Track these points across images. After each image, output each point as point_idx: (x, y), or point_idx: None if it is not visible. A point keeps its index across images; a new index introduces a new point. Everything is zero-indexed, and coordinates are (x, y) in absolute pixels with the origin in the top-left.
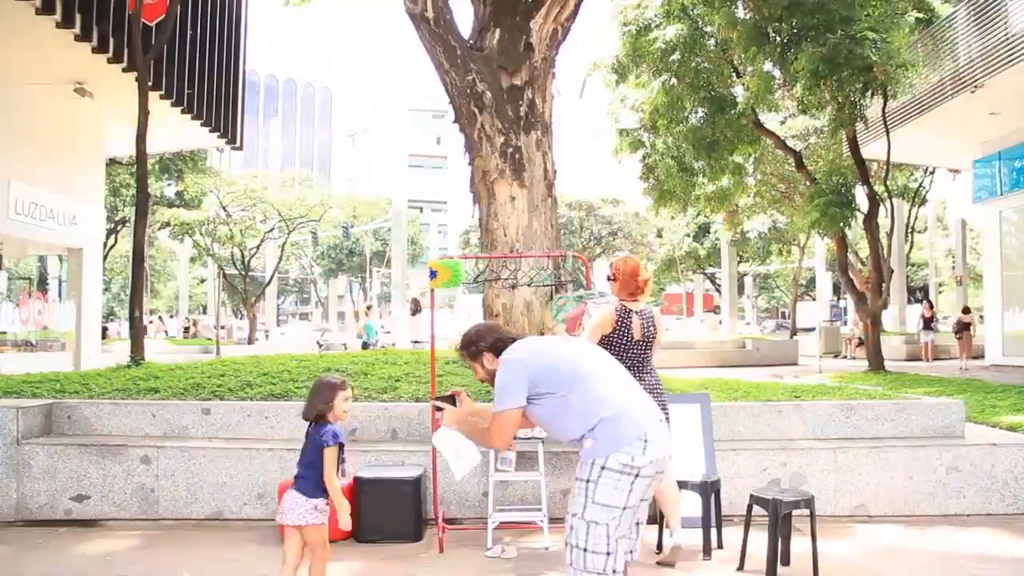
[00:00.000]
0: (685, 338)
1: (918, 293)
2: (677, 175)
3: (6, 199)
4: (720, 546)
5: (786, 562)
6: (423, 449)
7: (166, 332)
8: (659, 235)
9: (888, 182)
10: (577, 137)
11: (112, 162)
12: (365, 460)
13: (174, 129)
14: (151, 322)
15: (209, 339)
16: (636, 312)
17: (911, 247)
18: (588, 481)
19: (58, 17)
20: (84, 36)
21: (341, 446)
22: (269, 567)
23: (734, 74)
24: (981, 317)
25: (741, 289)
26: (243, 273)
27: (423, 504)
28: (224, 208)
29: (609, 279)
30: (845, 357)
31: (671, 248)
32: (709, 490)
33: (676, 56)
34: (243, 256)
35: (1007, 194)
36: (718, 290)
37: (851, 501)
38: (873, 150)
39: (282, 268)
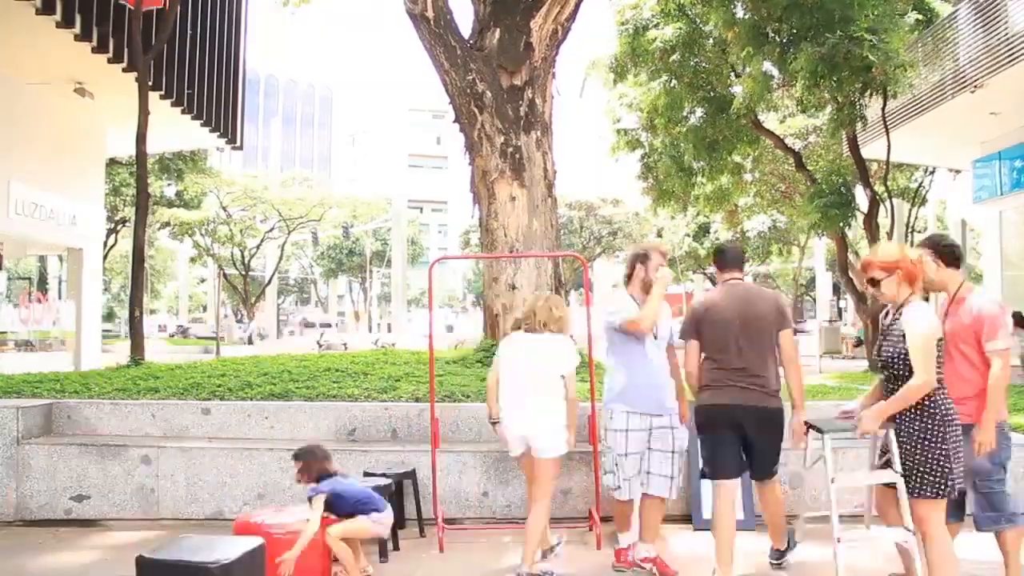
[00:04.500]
0: None
1: None
2: (676, 175)
3: (6, 199)
4: None
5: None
6: (423, 449)
7: None
8: (659, 235)
9: (888, 182)
10: (577, 137)
11: (112, 162)
12: (365, 460)
13: (174, 129)
14: None
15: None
16: None
17: (911, 247)
18: None
19: (58, 17)
20: (84, 36)
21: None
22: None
23: (733, 74)
24: None
25: None
26: (243, 273)
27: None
28: (224, 208)
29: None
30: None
31: (671, 248)
32: None
33: (675, 56)
34: (243, 256)
35: (1007, 194)
36: None
37: (851, 501)
38: (873, 150)
39: (282, 268)
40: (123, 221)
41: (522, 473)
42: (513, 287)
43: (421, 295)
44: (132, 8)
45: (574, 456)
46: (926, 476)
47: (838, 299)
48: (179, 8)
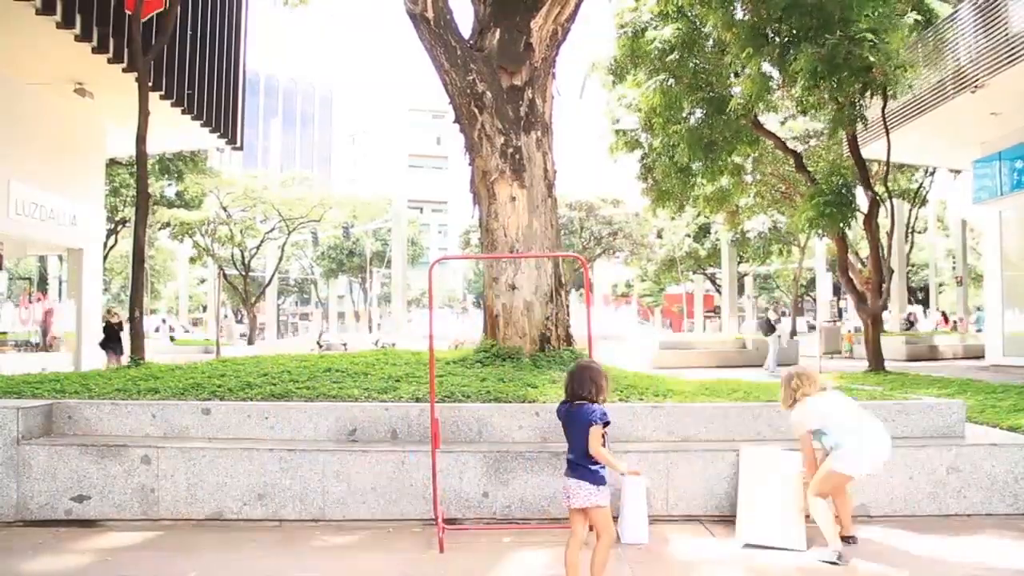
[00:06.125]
0: (685, 338)
1: (918, 293)
2: (675, 175)
3: (6, 199)
4: None
5: None
6: (423, 449)
7: None
8: (659, 235)
9: (888, 183)
10: (577, 137)
11: (112, 162)
12: (365, 460)
13: (174, 129)
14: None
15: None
16: None
17: (911, 247)
18: None
19: (58, 17)
20: (84, 36)
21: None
22: (272, 567)
23: (732, 75)
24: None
25: (741, 289)
26: (243, 273)
27: None
28: (224, 208)
29: None
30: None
31: (671, 248)
32: None
33: (674, 56)
34: (243, 256)
35: (1007, 194)
36: (718, 290)
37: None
38: (873, 150)
39: (282, 268)
40: (123, 221)
41: (521, 474)
42: (513, 287)
43: (421, 295)
44: (132, 13)
45: None
46: None
47: (838, 299)
48: (179, 9)
